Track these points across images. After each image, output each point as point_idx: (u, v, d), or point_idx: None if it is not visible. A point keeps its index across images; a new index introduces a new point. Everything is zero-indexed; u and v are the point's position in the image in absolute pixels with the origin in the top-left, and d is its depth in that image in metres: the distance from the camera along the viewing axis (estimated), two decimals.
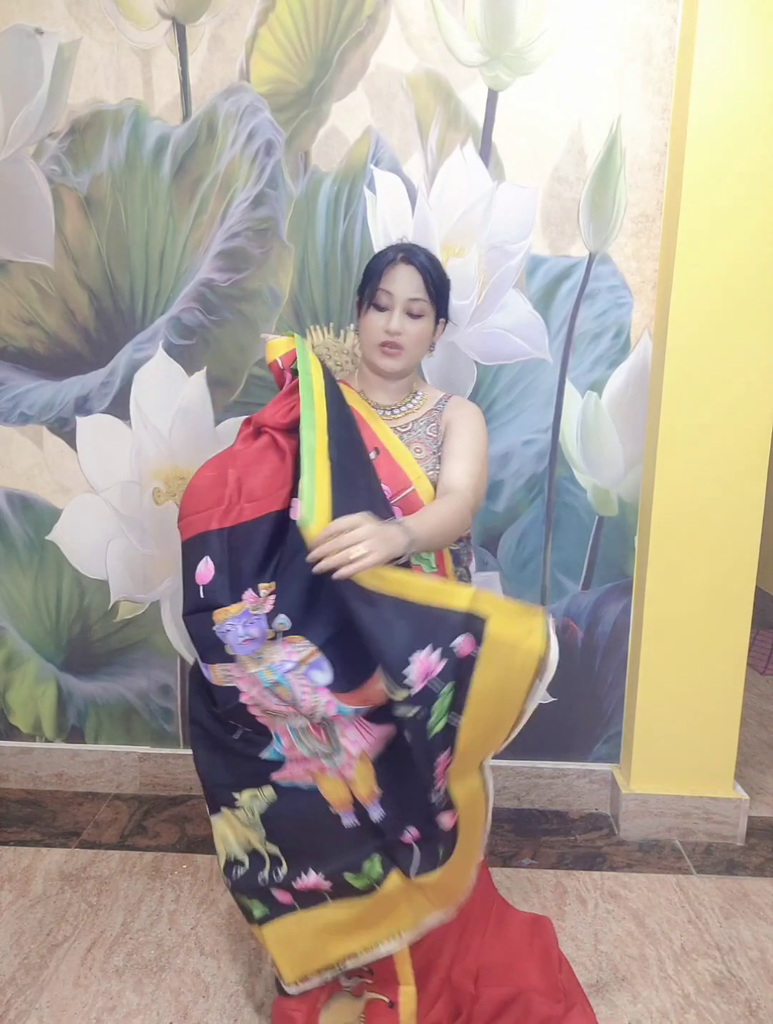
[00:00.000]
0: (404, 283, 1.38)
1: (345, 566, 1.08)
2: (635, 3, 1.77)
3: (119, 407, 1.99)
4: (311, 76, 1.82)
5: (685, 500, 1.89)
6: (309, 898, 1.31)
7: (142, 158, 1.86)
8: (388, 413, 1.47)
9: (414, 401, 1.49)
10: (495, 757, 2.14)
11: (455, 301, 1.88)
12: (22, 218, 1.90)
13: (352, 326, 1.92)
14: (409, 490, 1.39)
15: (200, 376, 1.96)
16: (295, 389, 1.31)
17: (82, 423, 2.00)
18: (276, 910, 1.33)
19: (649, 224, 1.86)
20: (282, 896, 1.32)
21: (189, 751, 1.43)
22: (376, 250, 1.87)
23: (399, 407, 1.48)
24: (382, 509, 1.28)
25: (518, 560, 2.03)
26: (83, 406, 2.00)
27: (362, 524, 1.11)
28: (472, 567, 1.56)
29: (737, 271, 1.79)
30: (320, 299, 1.91)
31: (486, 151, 1.84)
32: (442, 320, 1.47)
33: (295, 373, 1.33)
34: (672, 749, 2.02)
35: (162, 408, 1.98)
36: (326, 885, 1.28)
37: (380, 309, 1.41)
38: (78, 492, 2.05)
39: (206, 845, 1.90)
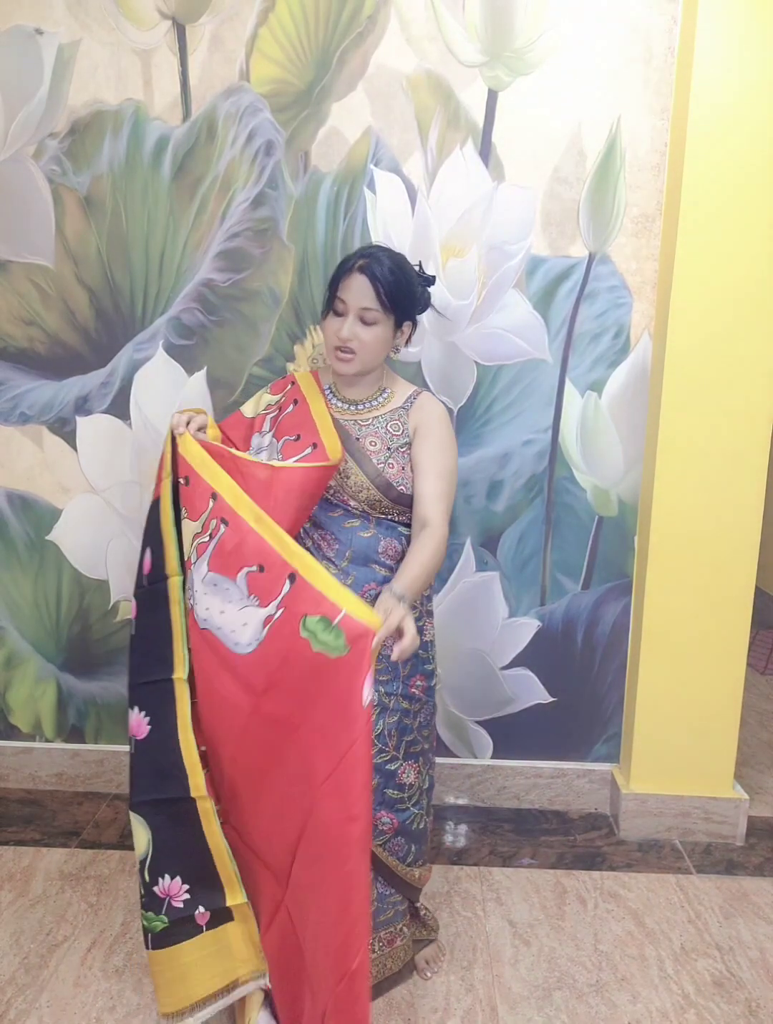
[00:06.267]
0: (356, 292, 1.41)
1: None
2: (635, 3, 1.77)
3: (119, 407, 1.99)
4: (311, 76, 1.82)
5: (685, 500, 1.89)
6: None
7: (142, 158, 1.87)
8: (354, 407, 1.53)
9: (381, 398, 1.53)
10: (494, 756, 2.15)
11: (455, 301, 1.88)
12: (22, 218, 1.90)
13: None
14: (311, 450, 1.44)
15: (200, 376, 1.96)
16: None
17: (82, 423, 2.00)
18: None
19: (649, 224, 1.86)
20: None
21: None
22: None
23: (366, 402, 1.53)
24: None
25: (518, 560, 2.03)
26: (83, 406, 2.00)
27: (407, 628, 1.23)
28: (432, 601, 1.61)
29: (737, 271, 1.79)
30: (320, 299, 1.91)
31: (486, 151, 1.84)
32: (407, 324, 1.50)
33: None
34: (672, 749, 2.01)
35: (162, 408, 1.98)
36: None
37: (337, 314, 1.44)
38: (78, 492, 2.05)
39: None
